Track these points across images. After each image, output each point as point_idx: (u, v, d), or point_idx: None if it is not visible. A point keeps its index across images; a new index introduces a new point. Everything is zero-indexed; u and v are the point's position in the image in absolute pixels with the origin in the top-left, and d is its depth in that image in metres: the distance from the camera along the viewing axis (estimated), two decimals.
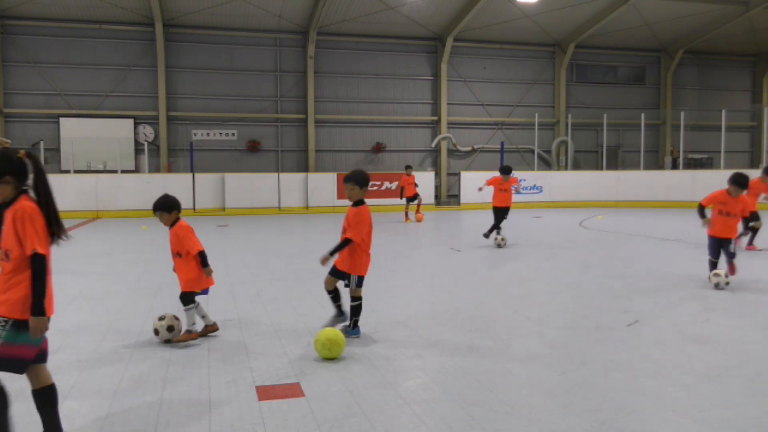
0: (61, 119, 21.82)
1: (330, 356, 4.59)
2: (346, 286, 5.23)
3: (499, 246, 10.96)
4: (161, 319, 5.09)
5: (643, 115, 23.95)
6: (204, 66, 23.12)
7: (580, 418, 3.50)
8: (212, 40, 23.17)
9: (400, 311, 6.20)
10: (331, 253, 5.11)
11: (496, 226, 11.38)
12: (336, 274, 5.27)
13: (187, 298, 5.23)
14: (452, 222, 17.44)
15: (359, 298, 5.29)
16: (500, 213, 11.46)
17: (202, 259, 5.24)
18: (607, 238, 12.69)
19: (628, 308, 6.21)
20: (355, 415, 3.58)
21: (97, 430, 3.41)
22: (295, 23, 23.17)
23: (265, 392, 3.95)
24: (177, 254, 5.29)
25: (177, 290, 7.23)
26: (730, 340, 5.07)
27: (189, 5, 21.56)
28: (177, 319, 5.12)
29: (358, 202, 5.23)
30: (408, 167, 17.67)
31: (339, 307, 5.37)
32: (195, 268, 5.23)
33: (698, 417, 3.52)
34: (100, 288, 7.64)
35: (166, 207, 5.28)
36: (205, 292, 5.45)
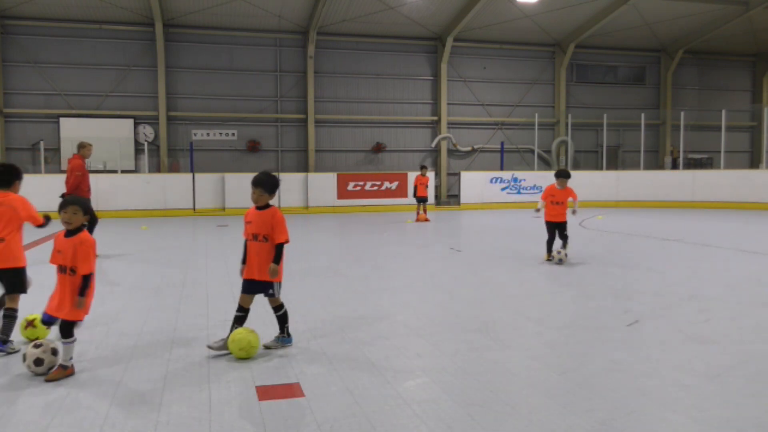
0: (61, 119, 21.82)
1: (246, 356, 4.60)
2: (269, 295, 4.85)
3: (560, 261, 9.12)
4: (37, 346, 4.25)
5: (643, 115, 23.95)
6: (204, 66, 23.13)
7: (580, 418, 3.50)
8: (212, 40, 23.18)
9: (400, 311, 6.20)
10: (278, 262, 4.80)
11: (549, 241, 9.51)
12: (254, 288, 4.84)
13: (70, 329, 4.29)
14: (452, 222, 17.43)
15: (283, 305, 4.98)
16: (554, 228, 9.48)
17: (84, 283, 4.29)
18: (607, 238, 12.69)
19: (628, 308, 6.21)
20: (355, 415, 3.58)
21: (97, 430, 3.41)
22: (295, 23, 23.17)
23: (265, 392, 3.95)
24: (70, 270, 4.28)
25: (176, 290, 7.26)
26: (730, 340, 5.07)
27: (189, 5, 21.56)
28: (55, 354, 4.27)
29: (266, 206, 4.91)
30: (423, 167, 17.52)
31: (241, 318, 4.87)
32: (89, 293, 4.40)
33: (698, 417, 3.52)
34: (100, 288, 7.62)
35: (83, 204, 4.46)
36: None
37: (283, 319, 4.96)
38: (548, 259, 9.30)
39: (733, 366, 4.39)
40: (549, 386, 4.04)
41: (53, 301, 4.36)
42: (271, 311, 5.00)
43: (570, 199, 9.50)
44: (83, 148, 10.58)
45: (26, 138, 21.86)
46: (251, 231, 4.84)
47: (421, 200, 17.05)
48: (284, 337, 4.95)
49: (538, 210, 9.71)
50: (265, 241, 4.81)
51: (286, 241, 4.84)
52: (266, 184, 4.85)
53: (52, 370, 4.21)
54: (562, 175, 9.63)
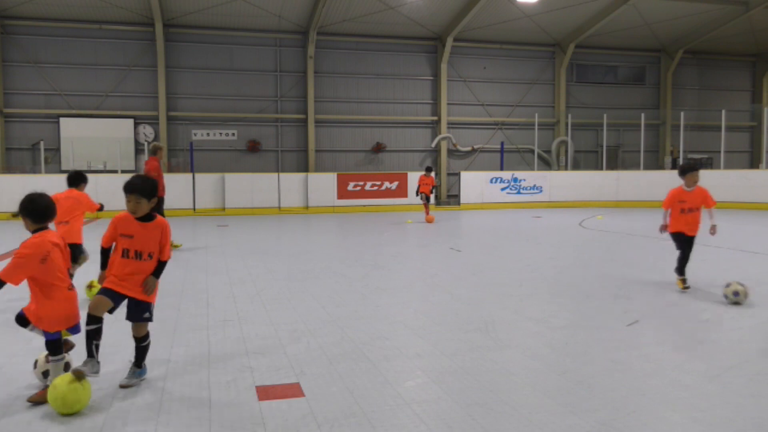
0: (61, 119, 21.83)
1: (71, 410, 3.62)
2: (144, 319, 4.08)
3: (735, 300, 6.28)
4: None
5: (643, 115, 23.96)
6: (204, 66, 23.14)
7: (580, 418, 3.50)
8: (212, 40, 23.19)
9: (400, 311, 6.20)
10: (158, 276, 4.13)
11: (683, 259, 7.03)
12: (117, 298, 3.96)
13: (57, 345, 3.90)
14: (452, 222, 17.41)
15: (149, 335, 4.21)
16: (686, 241, 7.01)
17: None
18: (607, 238, 12.69)
19: (628, 308, 6.20)
20: (355, 415, 3.58)
21: (97, 431, 3.41)
22: (295, 23, 23.18)
23: (265, 392, 3.95)
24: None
25: (176, 290, 7.26)
26: (730, 340, 5.07)
27: (189, 5, 21.57)
28: (66, 369, 3.95)
29: (148, 216, 4.07)
30: (428, 168, 17.07)
31: (96, 348, 3.84)
32: (68, 299, 3.89)
33: (698, 417, 3.52)
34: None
35: (36, 211, 3.88)
36: (76, 329, 3.97)
37: (144, 352, 4.17)
38: (684, 287, 6.92)
39: (733, 366, 4.39)
40: (549, 386, 4.03)
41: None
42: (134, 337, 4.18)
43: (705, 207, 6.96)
44: (160, 150, 11.24)
45: (26, 138, 21.86)
46: (134, 248, 3.98)
47: (425, 197, 16.66)
48: (139, 369, 4.17)
49: (663, 229, 7.05)
50: (150, 259, 4.06)
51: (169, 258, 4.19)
52: (143, 190, 3.99)
53: (38, 391, 3.88)
54: (690, 168, 6.81)
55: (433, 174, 17.18)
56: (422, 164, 25.63)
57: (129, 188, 3.99)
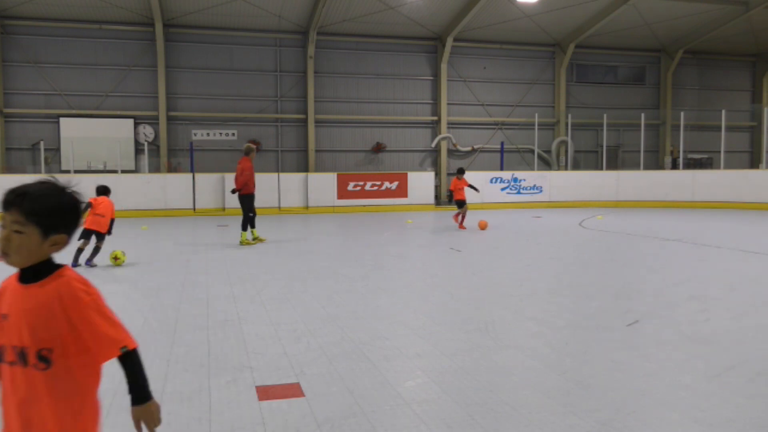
0: (61, 119, 21.83)
1: None
2: None
3: None
4: None
5: (643, 115, 23.96)
6: (204, 66, 23.13)
7: (580, 418, 3.49)
8: (212, 40, 23.19)
9: (400, 311, 6.20)
10: (148, 397, 2.01)
11: None
12: None
13: None
14: (452, 222, 17.41)
15: None
16: None
17: None
18: (607, 238, 12.69)
19: (628, 308, 6.20)
20: (355, 415, 3.58)
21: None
22: (295, 23, 23.18)
23: (265, 392, 3.95)
24: None
25: (176, 290, 7.27)
26: (730, 340, 5.07)
27: (189, 5, 21.57)
28: None
29: (39, 269, 1.91)
30: (460, 170, 15.45)
31: None
32: None
33: (698, 417, 3.52)
34: (100, 288, 7.62)
35: None
36: None
37: None
38: None
39: (733, 366, 4.39)
40: (549, 386, 4.03)
41: None
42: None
43: None
44: (253, 151, 12.28)
45: (26, 138, 21.86)
46: (10, 342, 1.86)
47: (460, 204, 15.00)
48: None
49: None
50: (47, 366, 1.85)
51: (129, 347, 2.09)
52: (32, 205, 1.94)
53: None
54: None
55: (464, 176, 15.23)
56: (422, 164, 25.64)
57: (6, 199, 1.92)
